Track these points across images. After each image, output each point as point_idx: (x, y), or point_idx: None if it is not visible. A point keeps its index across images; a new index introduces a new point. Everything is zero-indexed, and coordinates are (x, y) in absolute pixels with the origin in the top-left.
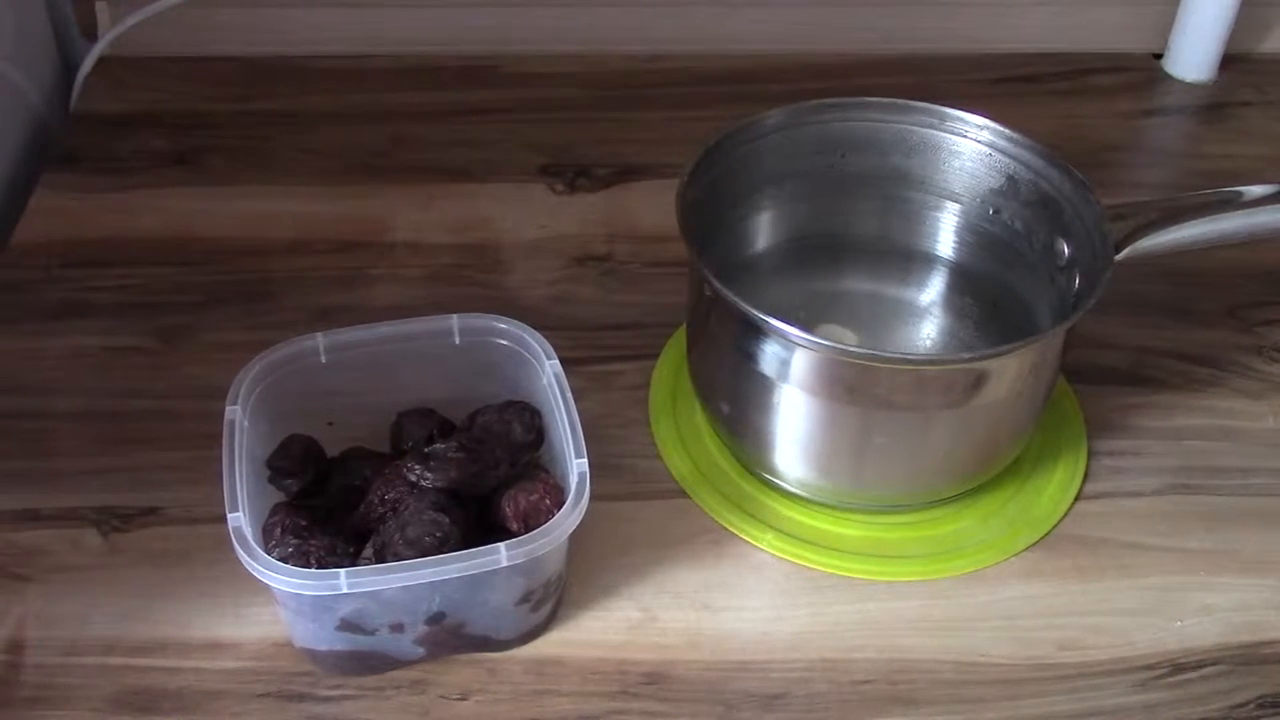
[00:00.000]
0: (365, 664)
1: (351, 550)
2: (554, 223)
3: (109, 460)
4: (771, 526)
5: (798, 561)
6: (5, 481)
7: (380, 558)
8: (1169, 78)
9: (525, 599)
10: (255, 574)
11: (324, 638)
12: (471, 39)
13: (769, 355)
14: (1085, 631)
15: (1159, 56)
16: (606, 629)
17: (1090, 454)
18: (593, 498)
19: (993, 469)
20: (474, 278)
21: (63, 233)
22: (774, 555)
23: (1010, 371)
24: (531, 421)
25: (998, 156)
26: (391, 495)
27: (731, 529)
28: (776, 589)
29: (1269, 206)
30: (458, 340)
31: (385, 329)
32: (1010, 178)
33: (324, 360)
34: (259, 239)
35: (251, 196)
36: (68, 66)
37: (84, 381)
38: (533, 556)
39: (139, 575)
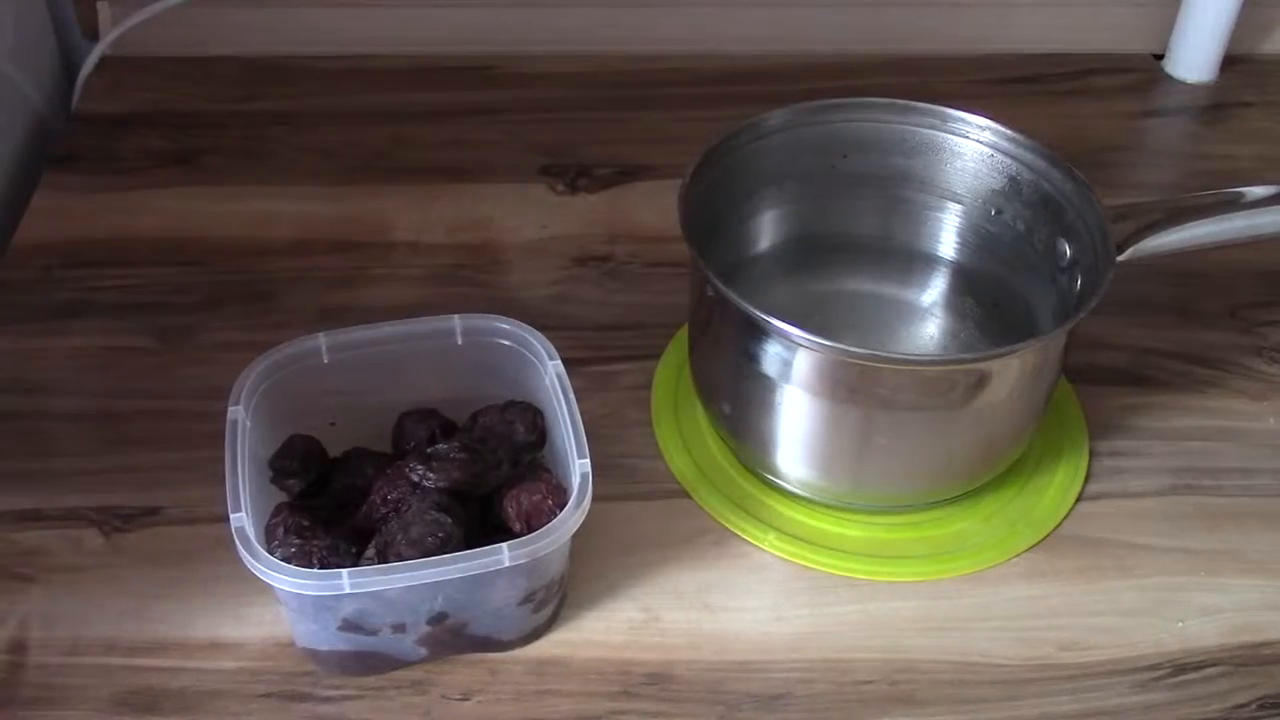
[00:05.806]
0: (367, 664)
1: (354, 550)
2: (555, 223)
3: (110, 460)
4: (773, 527)
5: (799, 562)
6: (6, 481)
7: (383, 558)
8: (1170, 78)
9: (527, 599)
10: (257, 574)
11: (326, 638)
12: (471, 39)
13: (771, 355)
14: (1086, 632)
15: (1160, 57)
16: (608, 629)
17: (1091, 454)
18: (595, 498)
19: (994, 469)
20: (475, 278)
21: (63, 233)
22: (775, 555)
23: (1012, 372)
24: (533, 422)
25: (999, 157)
26: (394, 495)
27: (733, 529)
28: (778, 589)
29: (1270, 207)
30: (460, 340)
31: (387, 329)
32: (1012, 178)
33: (326, 360)
34: (259, 239)
35: (252, 196)
36: (69, 66)
37: (85, 381)
38: (535, 557)
39: (140, 575)
